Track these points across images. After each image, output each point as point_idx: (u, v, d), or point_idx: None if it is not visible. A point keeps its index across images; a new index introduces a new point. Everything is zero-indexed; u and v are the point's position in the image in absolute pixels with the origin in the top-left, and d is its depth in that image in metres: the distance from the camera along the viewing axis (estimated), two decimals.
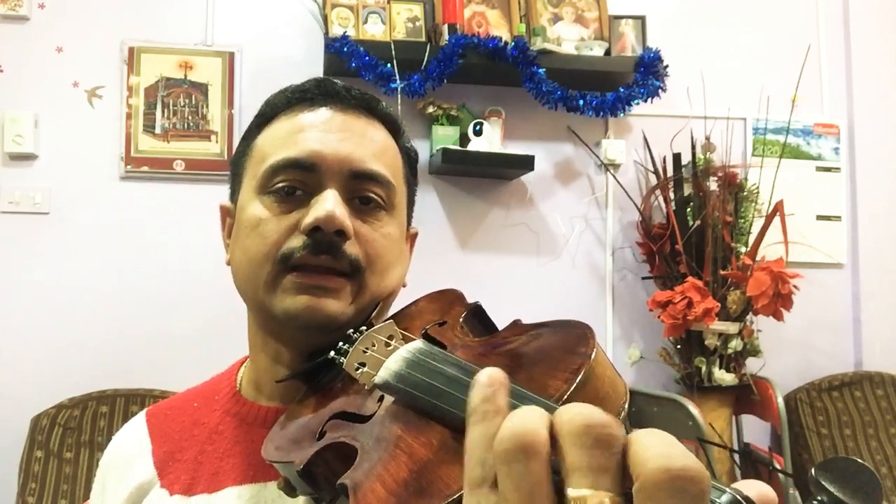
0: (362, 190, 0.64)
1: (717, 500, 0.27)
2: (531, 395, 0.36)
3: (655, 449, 0.26)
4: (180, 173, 2.16)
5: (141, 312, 2.12)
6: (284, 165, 0.63)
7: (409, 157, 0.73)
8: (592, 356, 0.40)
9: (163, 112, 2.17)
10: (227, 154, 2.17)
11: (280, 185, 0.63)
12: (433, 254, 2.18)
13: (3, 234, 2.09)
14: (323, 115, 0.66)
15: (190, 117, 2.18)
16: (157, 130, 2.16)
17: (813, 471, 0.33)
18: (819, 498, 0.32)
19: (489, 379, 0.31)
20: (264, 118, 0.69)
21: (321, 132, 0.64)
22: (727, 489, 0.28)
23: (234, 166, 0.72)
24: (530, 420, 0.28)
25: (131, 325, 2.11)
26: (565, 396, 0.37)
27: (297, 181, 0.63)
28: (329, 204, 0.60)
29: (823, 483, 0.33)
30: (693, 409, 1.84)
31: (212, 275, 2.11)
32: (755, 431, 2.25)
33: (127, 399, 2.01)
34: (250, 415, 0.69)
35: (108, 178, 2.14)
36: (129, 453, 0.72)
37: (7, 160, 2.10)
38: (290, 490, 0.53)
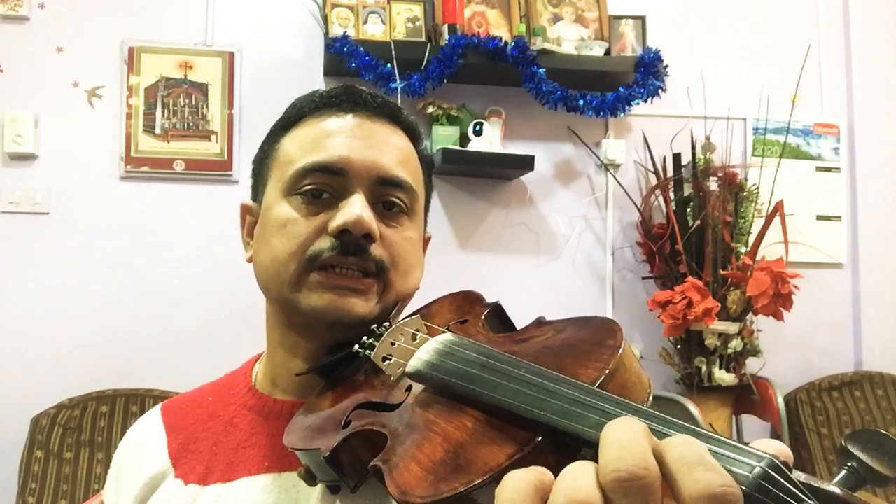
0: (387, 195, 0.67)
1: (758, 464, 0.29)
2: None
3: (693, 475, 0.29)
4: (180, 173, 2.16)
5: (141, 312, 2.12)
6: (313, 169, 0.65)
7: (427, 165, 0.75)
8: (621, 348, 0.41)
9: (163, 112, 2.17)
10: (227, 154, 2.17)
11: (308, 187, 0.65)
12: (433, 254, 2.17)
13: (3, 234, 2.09)
14: (350, 121, 0.68)
15: (190, 117, 2.18)
16: (157, 130, 2.16)
17: (843, 440, 0.35)
18: (849, 464, 0.34)
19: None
20: (289, 121, 0.71)
21: (349, 138, 0.67)
22: (764, 454, 0.30)
23: (257, 166, 0.74)
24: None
25: (131, 325, 2.11)
26: (596, 385, 0.39)
27: (325, 184, 0.65)
28: (357, 208, 0.63)
29: (853, 451, 0.34)
30: (693, 409, 1.85)
31: (212, 275, 2.12)
32: (755, 431, 2.25)
33: (127, 399, 2.01)
34: (266, 408, 0.70)
35: (108, 178, 2.14)
36: (144, 445, 0.74)
37: (7, 160, 2.10)
38: (310, 478, 0.55)
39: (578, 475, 0.30)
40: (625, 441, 0.30)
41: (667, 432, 0.32)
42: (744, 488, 0.29)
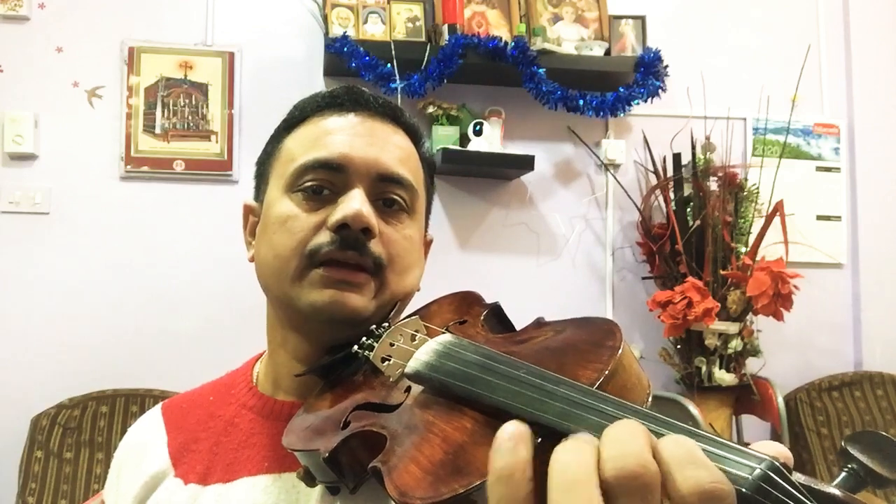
0: (387, 192, 0.67)
1: (758, 466, 0.29)
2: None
3: (685, 472, 0.29)
4: (180, 173, 2.16)
5: (141, 312, 2.12)
6: (314, 165, 0.66)
7: (429, 166, 0.76)
8: (620, 349, 0.41)
9: (163, 112, 2.17)
10: (227, 154, 2.17)
11: (308, 184, 0.66)
12: (433, 254, 2.17)
13: (3, 234, 2.09)
14: (351, 119, 0.69)
15: (190, 117, 2.18)
16: (157, 130, 2.16)
17: (843, 442, 0.36)
18: (849, 466, 0.34)
19: (510, 433, 0.32)
20: (293, 121, 0.72)
21: (350, 136, 0.67)
22: (764, 456, 0.30)
23: (261, 166, 0.75)
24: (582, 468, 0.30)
25: (131, 325, 2.11)
26: (595, 386, 0.39)
27: (325, 181, 0.66)
28: (356, 203, 0.63)
29: (853, 453, 0.35)
30: (693, 409, 1.85)
31: (212, 275, 2.12)
32: (755, 431, 2.25)
33: (127, 399, 2.01)
34: (266, 408, 0.71)
35: (108, 178, 2.14)
36: (144, 444, 0.74)
37: (7, 160, 2.10)
38: (309, 479, 0.55)
39: (576, 483, 0.30)
40: (624, 439, 0.30)
41: (665, 433, 0.32)
42: (743, 490, 0.29)
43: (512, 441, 0.32)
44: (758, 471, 0.29)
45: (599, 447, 0.31)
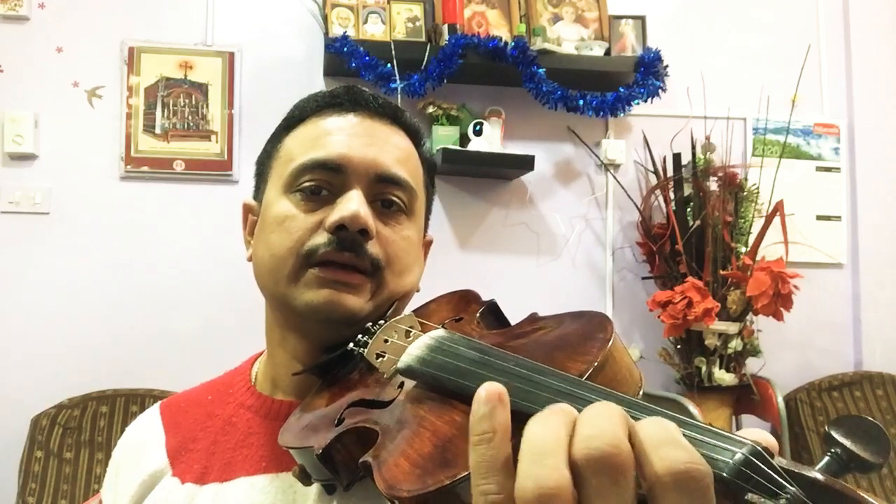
0: (385, 193, 0.67)
1: (739, 450, 0.29)
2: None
3: (661, 452, 0.29)
4: (180, 173, 2.16)
5: (141, 312, 2.12)
6: (312, 166, 0.65)
7: (429, 167, 0.75)
8: (611, 341, 0.41)
9: (163, 112, 2.17)
10: (227, 154, 2.17)
11: (307, 184, 0.66)
12: (433, 254, 2.17)
13: (3, 234, 2.09)
14: (350, 120, 0.69)
15: (190, 117, 2.18)
16: (157, 130, 2.16)
17: (826, 427, 0.36)
18: (833, 450, 0.34)
19: (487, 395, 0.32)
20: (293, 121, 0.72)
21: (349, 136, 0.67)
22: (746, 441, 0.30)
23: (260, 166, 0.75)
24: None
25: (131, 325, 2.11)
26: (584, 377, 0.39)
27: (323, 181, 0.66)
28: (354, 204, 0.63)
29: (836, 437, 0.34)
30: (693, 409, 1.85)
31: (212, 275, 2.12)
32: None
33: (127, 399, 2.01)
34: (264, 408, 0.70)
35: (108, 178, 2.14)
36: (142, 443, 0.74)
37: (7, 160, 2.10)
38: (304, 478, 0.55)
39: (545, 454, 0.29)
40: (597, 420, 0.30)
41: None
42: (724, 475, 0.29)
43: (489, 404, 0.32)
44: (739, 455, 0.29)
45: (575, 426, 0.31)
